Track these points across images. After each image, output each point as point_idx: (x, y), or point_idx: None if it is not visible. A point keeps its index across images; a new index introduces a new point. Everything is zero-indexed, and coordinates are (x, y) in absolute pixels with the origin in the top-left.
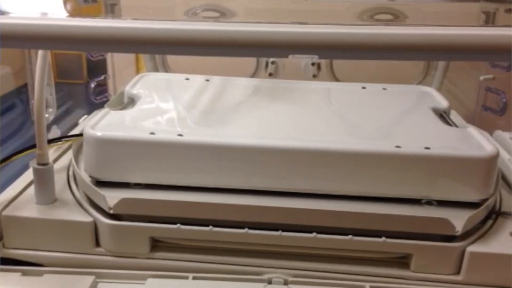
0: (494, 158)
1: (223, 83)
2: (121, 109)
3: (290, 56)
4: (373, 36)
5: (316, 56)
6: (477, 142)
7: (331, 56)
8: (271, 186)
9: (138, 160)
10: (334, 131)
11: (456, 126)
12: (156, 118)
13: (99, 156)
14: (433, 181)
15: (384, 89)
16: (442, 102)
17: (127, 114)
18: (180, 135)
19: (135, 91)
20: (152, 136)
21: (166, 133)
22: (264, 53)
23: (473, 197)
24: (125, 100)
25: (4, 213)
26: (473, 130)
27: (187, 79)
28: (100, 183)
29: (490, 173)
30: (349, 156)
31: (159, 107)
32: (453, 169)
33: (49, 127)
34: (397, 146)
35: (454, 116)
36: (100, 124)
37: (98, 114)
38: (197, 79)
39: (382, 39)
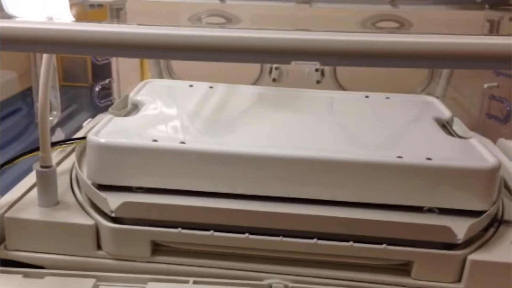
0: (495, 170)
1: (226, 90)
2: (125, 115)
3: (293, 63)
4: (375, 43)
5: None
6: (479, 153)
7: (334, 63)
8: (273, 194)
9: (140, 167)
10: (337, 141)
11: (459, 136)
12: (159, 125)
13: (102, 163)
14: (435, 192)
15: (387, 98)
16: (445, 112)
17: (131, 121)
18: (182, 142)
19: (139, 97)
20: (154, 143)
21: (168, 141)
22: (266, 59)
23: (475, 207)
24: (129, 106)
25: (7, 215)
26: (475, 141)
27: (191, 86)
28: (102, 187)
29: (492, 185)
30: (351, 165)
31: (163, 114)
32: (455, 181)
33: (53, 130)
34: (399, 157)
35: (458, 124)
36: (104, 131)
37: (101, 121)
38: (201, 86)
39: (383, 47)
